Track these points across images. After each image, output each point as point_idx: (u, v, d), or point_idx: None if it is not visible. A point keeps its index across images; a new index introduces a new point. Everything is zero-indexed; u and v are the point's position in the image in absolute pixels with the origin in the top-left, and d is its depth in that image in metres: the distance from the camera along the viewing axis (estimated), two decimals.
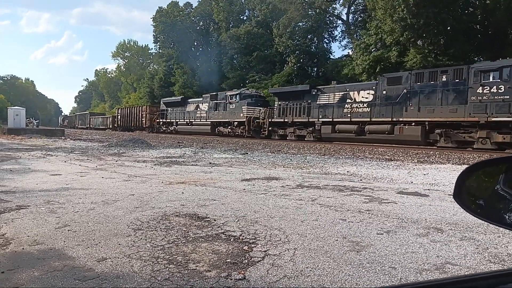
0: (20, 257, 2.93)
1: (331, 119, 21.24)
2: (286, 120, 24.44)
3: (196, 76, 51.79)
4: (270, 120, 25.87)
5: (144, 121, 42.84)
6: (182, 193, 5.74)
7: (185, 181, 7.02)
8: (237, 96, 28.37)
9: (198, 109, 33.15)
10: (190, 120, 33.62)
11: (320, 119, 21.95)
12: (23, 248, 3.14)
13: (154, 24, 57.53)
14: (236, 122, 28.06)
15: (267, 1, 47.64)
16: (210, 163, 10.99)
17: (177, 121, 35.66)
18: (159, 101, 45.09)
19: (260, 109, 26.90)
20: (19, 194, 5.49)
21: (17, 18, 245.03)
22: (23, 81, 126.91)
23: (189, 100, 36.39)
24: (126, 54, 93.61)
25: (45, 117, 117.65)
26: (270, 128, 25.67)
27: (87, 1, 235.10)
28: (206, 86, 49.79)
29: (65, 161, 10.73)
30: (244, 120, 27.00)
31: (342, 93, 21.40)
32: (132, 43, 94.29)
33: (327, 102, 22.03)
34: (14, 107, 37.84)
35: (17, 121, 33.11)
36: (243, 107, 27.48)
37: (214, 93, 32.58)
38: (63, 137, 28.05)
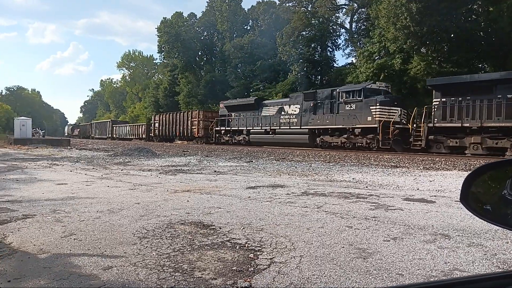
0: (26, 266, 2.94)
1: None
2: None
3: (201, 86, 52.06)
4: (432, 125, 17.58)
5: (196, 130, 35.77)
6: (187, 201, 5.74)
7: (190, 189, 7.02)
8: (359, 92, 20.78)
9: (283, 112, 26.10)
10: (272, 128, 26.50)
11: None
12: (29, 257, 3.14)
13: (158, 34, 58.03)
14: (359, 129, 20.60)
15: (270, 10, 48.04)
16: (215, 171, 10.99)
17: (249, 129, 28.69)
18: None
19: (398, 110, 19.69)
20: (25, 203, 5.51)
21: (23, 29, 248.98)
22: (29, 92, 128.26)
23: (265, 102, 29.58)
24: (131, 64, 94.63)
25: (51, 127, 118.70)
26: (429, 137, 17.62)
27: (92, 11, 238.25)
28: (210, 95, 50.10)
29: (70, 171, 10.77)
30: (375, 125, 19.47)
31: None
32: (137, 53, 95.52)
33: None
34: (20, 118, 38.19)
35: (23, 131, 33.37)
36: (371, 107, 19.96)
37: (311, 91, 26.03)
38: (68, 147, 28.21)
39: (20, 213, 4.78)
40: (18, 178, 8.68)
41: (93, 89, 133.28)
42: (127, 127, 53.47)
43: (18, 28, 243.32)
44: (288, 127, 25.26)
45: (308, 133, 23.66)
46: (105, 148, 27.48)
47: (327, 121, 22.53)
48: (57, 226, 4.16)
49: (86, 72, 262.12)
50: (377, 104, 19.68)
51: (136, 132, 49.69)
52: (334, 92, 22.65)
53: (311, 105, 23.73)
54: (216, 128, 32.71)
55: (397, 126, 19.06)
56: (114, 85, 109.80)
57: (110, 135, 56.57)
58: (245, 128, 29.32)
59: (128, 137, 50.99)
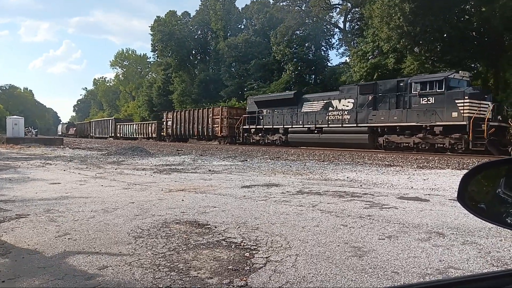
0: (20, 266, 2.91)
1: None
2: None
3: (195, 85, 51.90)
4: None
5: (218, 128, 31.78)
6: (182, 200, 5.73)
7: (185, 189, 7.00)
8: (440, 83, 17.21)
9: (331, 108, 22.32)
10: (317, 126, 22.65)
11: None
12: (23, 257, 3.11)
13: (152, 33, 57.76)
14: (440, 127, 16.94)
15: (264, 10, 48.02)
16: (210, 170, 10.98)
17: (287, 128, 24.89)
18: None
19: (490, 105, 16.35)
20: (19, 203, 5.46)
21: (16, 27, 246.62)
22: (22, 91, 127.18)
23: (307, 96, 25.38)
24: (124, 63, 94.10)
25: (43, 126, 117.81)
26: None
27: (86, 10, 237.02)
28: (205, 94, 49.99)
29: (64, 170, 10.70)
30: (464, 122, 16.04)
31: None
32: (130, 52, 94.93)
33: None
34: (12, 117, 37.82)
35: (16, 130, 33.05)
36: (458, 100, 16.47)
37: (369, 82, 22.56)
38: (61, 146, 28.01)
39: (13, 213, 4.74)
40: (11, 178, 8.60)
41: (86, 88, 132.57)
42: (134, 125, 49.09)
43: (10, 27, 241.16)
44: (340, 125, 21.38)
45: (368, 131, 19.93)
46: (98, 147, 27.32)
47: (395, 118, 18.76)
48: (51, 226, 4.13)
49: (79, 70, 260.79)
50: (466, 97, 16.21)
51: (144, 131, 45.45)
52: (402, 83, 19.09)
53: (370, 99, 20.05)
54: (244, 127, 28.59)
55: (491, 124, 15.71)
56: (108, 84, 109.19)
57: (113, 134, 52.41)
58: (281, 126, 25.29)
59: (134, 136, 46.81)
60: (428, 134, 17.53)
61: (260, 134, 27.30)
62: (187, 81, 53.88)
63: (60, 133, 76.54)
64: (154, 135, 42.95)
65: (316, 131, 22.81)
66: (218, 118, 31.88)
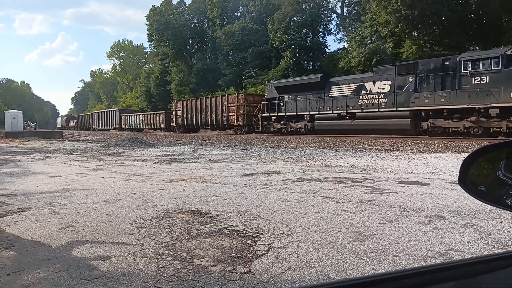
0: (24, 259, 2.93)
1: None
2: None
3: (192, 74, 51.62)
4: None
5: (234, 117, 29.92)
6: (183, 190, 5.74)
7: (186, 178, 7.02)
8: (496, 60, 15.65)
9: (364, 91, 20.70)
10: (349, 112, 20.96)
11: None
12: (27, 250, 3.14)
13: (148, 22, 57.27)
14: (497, 109, 15.38)
15: None
16: (210, 159, 10.99)
17: (313, 114, 23.01)
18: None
19: None
20: (20, 196, 5.48)
21: (10, 20, 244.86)
22: (19, 84, 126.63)
23: (334, 79, 23.49)
24: (121, 54, 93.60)
25: (42, 119, 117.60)
26: None
27: (80, 1, 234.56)
28: (203, 84, 49.80)
29: (64, 163, 10.71)
30: None
31: None
32: (126, 42, 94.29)
33: None
34: (10, 111, 37.69)
35: (15, 124, 32.96)
36: None
37: (409, 62, 20.47)
38: (61, 139, 27.99)
39: (15, 207, 4.75)
40: (11, 172, 8.61)
41: (83, 80, 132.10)
42: (140, 116, 47.07)
43: (5, 19, 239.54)
44: (376, 110, 19.68)
45: (410, 116, 18.27)
46: (98, 139, 27.31)
47: (441, 100, 17.18)
48: (54, 218, 4.15)
49: (76, 63, 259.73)
50: None
51: (152, 121, 43.61)
52: (448, 62, 17.52)
53: (410, 80, 18.46)
54: (264, 114, 26.60)
55: None
56: (105, 76, 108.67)
57: (117, 126, 50.42)
58: (306, 113, 23.31)
59: (141, 127, 45.13)
60: (481, 118, 15.99)
61: (282, 122, 25.47)
62: (185, 71, 53.60)
63: (59, 126, 75.32)
64: (162, 126, 41.12)
65: (347, 117, 20.98)
66: (234, 106, 29.90)
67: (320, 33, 43.61)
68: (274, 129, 26.00)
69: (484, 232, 3.28)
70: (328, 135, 18.69)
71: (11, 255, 3.03)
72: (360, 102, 20.63)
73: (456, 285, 0.58)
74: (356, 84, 21.19)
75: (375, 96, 20.00)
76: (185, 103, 36.59)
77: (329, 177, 6.86)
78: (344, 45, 41.35)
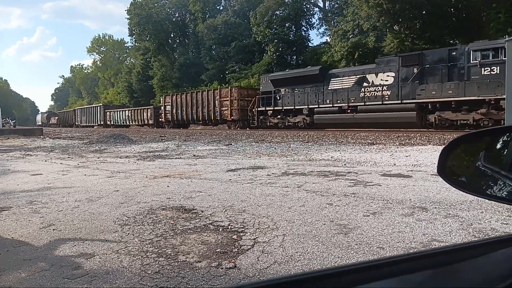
0: (5, 259, 2.87)
1: None
2: None
3: (175, 69, 51.11)
4: None
5: (227, 112, 28.89)
6: (168, 186, 5.70)
7: (170, 175, 6.97)
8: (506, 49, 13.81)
9: (365, 83, 20.06)
10: (350, 105, 20.27)
11: None
12: (7, 250, 3.06)
13: (129, 16, 56.36)
14: None
15: None
16: (194, 155, 10.93)
17: (312, 108, 22.29)
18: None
19: None
20: (0, 195, 5.35)
21: None
22: None
23: (334, 71, 22.91)
24: (101, 48, 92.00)
25: (21, 116, 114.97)
26: None
27: None
28: (185, 79, 49.38)
29: (45, 160, 10.50)
30: None
31: None
32: (107, 37, 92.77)
33: None
34: None
35: None
36: None
37: (413, 53, 19.79)
38: (41, 136, 27.43)
39: None
40: None
41: (63, 76, 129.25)
42: (126, 112, 45.22)
43: None
44: (379, 102, 19.01)
45: (415, 108, 17.76)
46: (80, 136, 26.87)
47: (449, 92, 16.74)
48: (35, 217, 4.06)
49: (55, 58, 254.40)
50: None
51: (138, 117, 42.23)
52: (455, 52, 17.14)
53: (415, 71, 17.98)
54: (260, 109, 25.70)
55: None
56: (85, 71, 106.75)
57: (101, 122, 48.87)
58: (305, 106, 22.50)
59: (126, 123, 43.74)
60: (491, 109, 15.54)
61: (279, 117, 24.58)
62: (167, 66, 53.03)
63: (39, 123, 72.50)
64: (150, 122, 39.91)
65: (349, 110, 20.27)
66: (227, 100, 28.70)
67: (303, 27, 43.74)
68: (271, 123, 25.20)
69: (466, 223, 3.35)
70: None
71: None
72: (362, 94, 20.01)
73: (432, 274, 0.58)
74: (358, 76, 20.49)
75: (378, 88, 19.34)
76: (174, 97, 35.13)
77: (313, 171, 6.90)
78: (326, 39, 41.63)
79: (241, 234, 3.26)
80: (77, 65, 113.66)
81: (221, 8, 53.72)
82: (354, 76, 20.69)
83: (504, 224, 3.32)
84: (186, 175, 6.88)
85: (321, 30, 53.58)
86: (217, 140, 17.82)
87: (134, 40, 61.32)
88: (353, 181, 5.70)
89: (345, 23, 31.40)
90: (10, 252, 3.03)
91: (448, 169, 1.24)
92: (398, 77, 18.61)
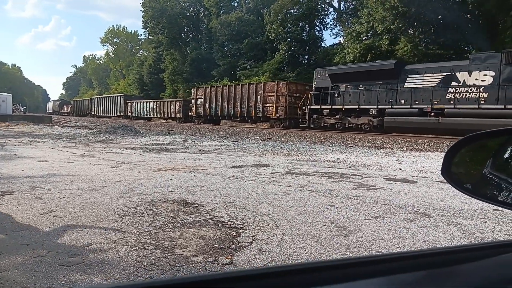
0: (3, 243, 2.88)
1: None
2: None
3: (186, 63, 51.20)
4: None
5: (272, 108, 25.47)
6: (171, 179, 5.70)
7: (174, 168, 6.97)
8: None
9: (454, 83, 16.69)
10: (434, 107, 16.89)
11: None
12: (6, 234, 3.08)
13: (143, 9, 56.54)
14: None
15: None
16: (200, 150, 10.93)
17: (382, 108, 18.76)
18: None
19: None
20: (4, 180, 5.39)
21: (2, 2, 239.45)
22: (10, 67, 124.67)
23: (412, 67, 19.28)
24: (115, 40, 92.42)
25: (32, 103, 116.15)
26: None
27: None
28: (196, 73, 49.46)
29: (52, 148, 10.57)
30: None
31: None
32: (121, 29, 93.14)
33: None
34: (0, 94, 37.15)
35: (3, 108, 32.58)
36: None
37: None
38: (50, 124, 27.67)
39: None
40: None
41: (75, 65, 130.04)
42: (150, 103, 41.46)
43: None
44: (475, 106, 15.75)
45: None
46: (88, 126, 27.05)
47: None
48: (36, 203, 4.08)
49: (69, 47, 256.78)
50: None
51: (164, 110, 38.39)
52: None
53: None
54: (313, 106, 22.18)
55: None
56: (98, 62, 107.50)
57: (122, 114, 45.47)
58: (373, 107, 19.10)
59: (149, 116, 40.46)
60: None
61: (337, 117, 21.06)
62: (179, 60, 53.10)
63: (50, 111, 71.45)
64: (178, 115, 36.14)
65: (432, 114, 17.01)
66: (273, 95, 25.39)
67: (317, 27, 43.43)
68: (326, 124, 21.60)
69: (468, 231, 3.29)
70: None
71: None
72: (449, 95, 16.72)
73: (428, 274, 0.57)
74: (444, 74, 17.13)
75: (472, 89, 16.14)
76: (208, 90, 31.48)
77: (317, 172, 6.86)
78: (340, 40, 41.37)
79: (240, 230, 3.24)
80: (90, 55, 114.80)
81: (236, 4, 53.62)
82: (440, 74, 17.31)
83: (508, 235, 3.26)
84: (190, 169, 6.87)
85: (335, 30, 53.13)
86: (223, 136, 17.82)
87: (147, 33, 61.52)
88: (357, 183, 5.64)
89: (359, 24, 31.13)
90: (9, 236, 3.04)
91: (453, 171, 1.21)
92: (499, 77, 15.47)
